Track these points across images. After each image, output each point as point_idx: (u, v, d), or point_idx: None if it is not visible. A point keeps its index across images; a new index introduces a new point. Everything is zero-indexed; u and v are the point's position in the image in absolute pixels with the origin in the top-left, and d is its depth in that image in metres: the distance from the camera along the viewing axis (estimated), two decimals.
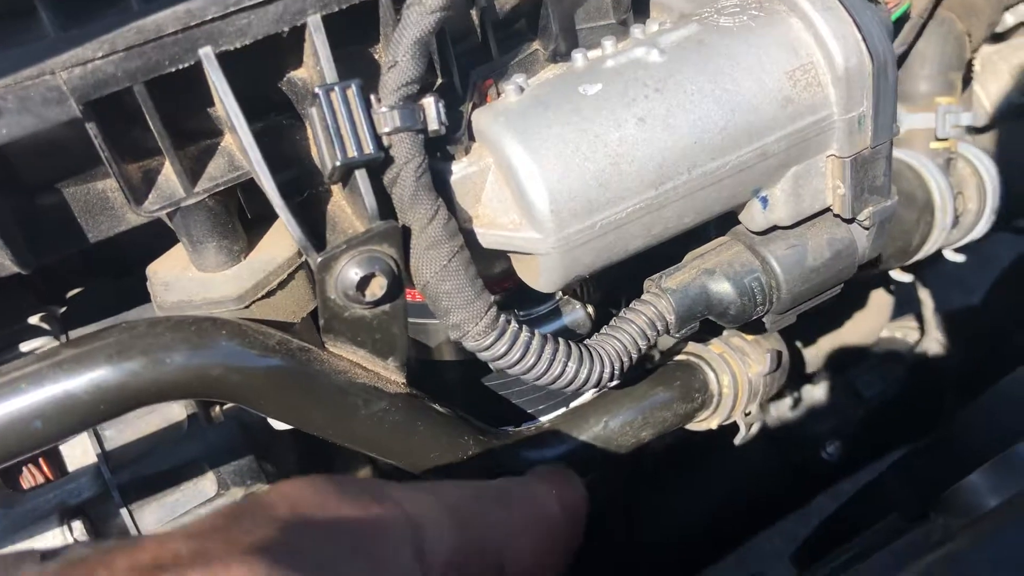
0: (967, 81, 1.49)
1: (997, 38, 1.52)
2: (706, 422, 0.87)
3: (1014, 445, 0.72)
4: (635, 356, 0.72)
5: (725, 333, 0.91)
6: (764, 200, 0.72)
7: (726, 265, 0.75)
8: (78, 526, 0.84)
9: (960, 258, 1.32)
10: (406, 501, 0.45)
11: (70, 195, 0.65)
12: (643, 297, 0.75)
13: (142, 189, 0.64)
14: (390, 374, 0.68)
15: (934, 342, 1.74)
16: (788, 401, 1.65)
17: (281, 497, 0.41)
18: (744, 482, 1.64)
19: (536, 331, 0.68)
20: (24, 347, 0.93)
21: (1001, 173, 1.30)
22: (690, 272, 0.75)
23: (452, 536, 0.46)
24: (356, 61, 0.66)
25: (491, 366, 0.67)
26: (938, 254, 1.31)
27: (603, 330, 0.73)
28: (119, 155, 0.62)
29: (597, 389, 0.72)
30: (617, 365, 0.71)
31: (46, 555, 0.55)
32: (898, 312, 1.74)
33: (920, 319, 1.73)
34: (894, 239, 1.13)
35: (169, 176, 0.64)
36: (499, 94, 0.69)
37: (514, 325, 0.66)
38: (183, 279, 0.68)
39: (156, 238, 0.74)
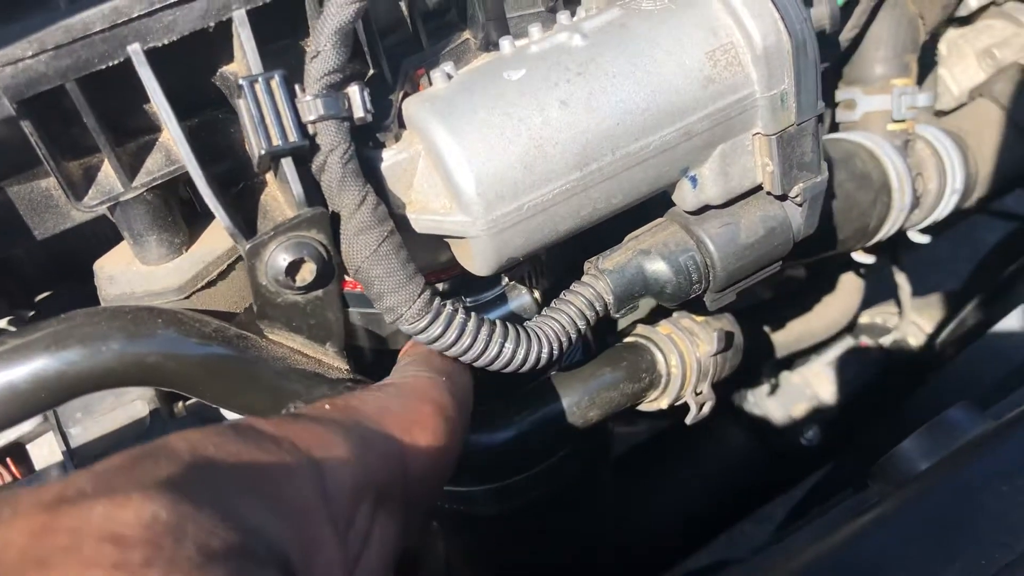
0: (932, 65, 1.51)
1: (962, 22, 1.54)
2: (656, 402, 0.89)
3: (945, 411, 0.74)
4: (574, 337, 0.74)
5: (675, 315, 0.93)
6: (693, 180, 0.73)
7: (661, 245, 0.76)
8: None
9: (925, 239, 1.33)
10: (304, 440, 0.47)
11: (14, 193, 0.67)
12: (582, 279, 0.77)
13: (82, 185, 0.66)
14: (331, 360, 0.70)
15: (912, 326, 1.75)
16: (765, 388, 1.67)
17: (183, 440, 0.42)
18: (726, 469, 1.65)
19: (473, 313, 0.69)
20: None
21: (969, 147, 1.31)
22: (626, 253, 0.77)
23: (354, 463, 0.48)
24: (286, 54, 0.68)
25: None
26: (904, 237, 1.33)
27: (542, 312, 0.75)
28: (58, 153, 0.64)
29: (540, 370, 0.74)
30: (556, 346, 0.72)
31: None
32: (880, 298, 1.75)
33: (899, 304, 1.74)
34: (851, 221, 1.15)
35: (108, 172, 0.66)
36: (431, 84, 0.71)
37: (448, 308, 0.67)
38: (127, 273, 0.70)
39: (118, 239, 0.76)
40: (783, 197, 0.77)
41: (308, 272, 0.62)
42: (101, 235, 0.80)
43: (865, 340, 1.68)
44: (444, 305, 0.67)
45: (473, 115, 0.65)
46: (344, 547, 0.45)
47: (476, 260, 0.69)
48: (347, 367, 0.71)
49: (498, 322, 0.70)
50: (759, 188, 0.76)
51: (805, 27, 0.70)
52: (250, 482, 0.42)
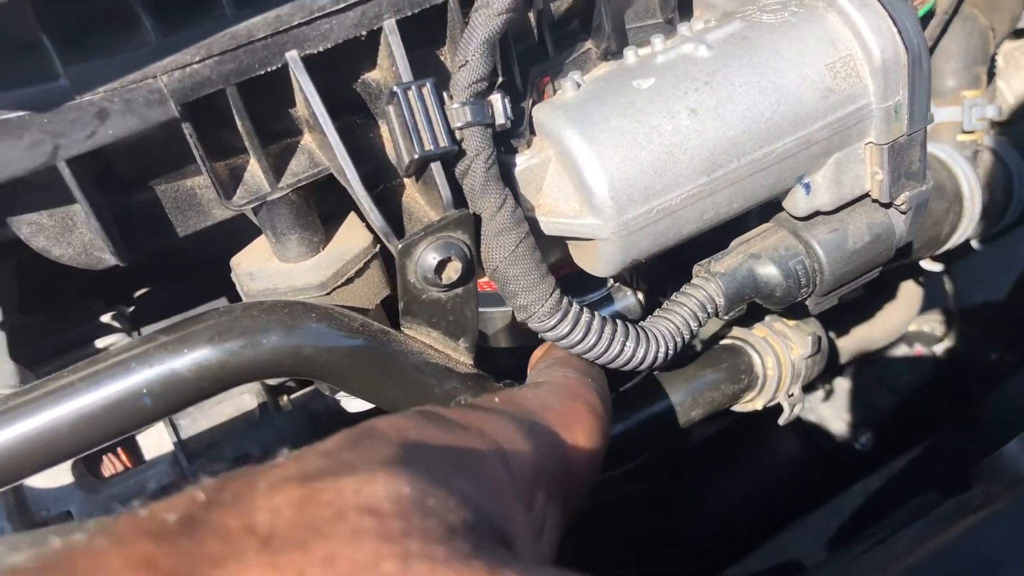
0: (991, 76, 1.53)
1: (1019, 34, 1.56)
2: (752, 403, 0.91)
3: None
4: (687, 337, 0.76)
5: (768, 318, 0.95)
6: (807, 186, 0.76)
7: (771, 249, 0.79)
8: None
9: (984, 248, 1.35)
10: (487, 427, 0.49)
11: (161, 192, 0.70)
12: (693, 281, 0.79)
13: (230, 185, 0.69)
14: (459, 355, 0.73)
15: (960, 335, 1.77)
16: (820, 393, 1.69)
17: (389, 426, 0.45)
18: (779, 473, 1.67)
19: (597, 313, 0.72)
20: (99, 343, 0.98)
21: None
22: (737, 257, 0.79)
23: (529, 450, 0.51)
24: (424, 63, 0.71)
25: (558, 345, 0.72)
26: (966, 245, 1.35)
27: (656, 312, 0.77)
28: (209, 154, 0.67)
29: (650, 369, 0.76)
30: (671, 345, 0.75)
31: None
32: (926, 307, 1.77)
33: (947, 313, 1.76)
34: (925, 229, 1.17)
35: (255, 172, 0.69)
36: (555, 91, 0.74)
37: (576, 307, 0.70)
38: (267, 269, 0.73)
39: (207, 247, 0.78)
40: (888, 204, 0.79)
41: (454, 271, 0.65)
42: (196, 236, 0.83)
43: (919, 348, 1.70)
44: (572, 304, 0.70)
45: (605, 122, 0.68)
46: (531, 528, 0.48)
47: (601, 262, 0.72)
48: (471, 361, 0.74)
49: (619, 322, 0.73)
50: (866, 195, 0.79)
51: (921, 41, 0.72)
52: (455, 462, 0.45)
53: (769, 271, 0.78)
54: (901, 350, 1.70)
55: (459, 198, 0.67)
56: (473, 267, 0.67)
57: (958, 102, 1.26)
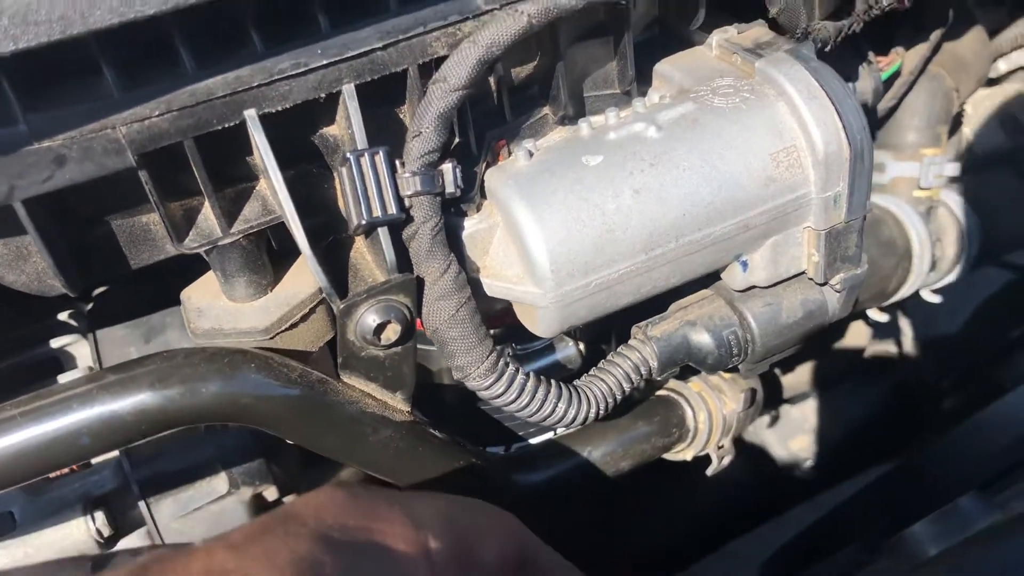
0: (958, 124, 1.56)
1: (990, 83, 1.59)
2: (682, 454, 0.95)
3: (957, 499, 0.79)
4: (619, 397, 0.79)
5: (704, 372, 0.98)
6: (744, 264, 0.79)
7: (707, 318, 0.82)
8: (100, 516, 0.91)
9: (937, 299, 1.39)
10: (410, 508, 0.52)
11: (117, 227, 0.72)
12: (630, 343, 0.82)
13: (183, 226, 0.71)
14: (396, 403, 0.75)
15: (911, 367, 1.82)
16: (766, 419, 1.73)
17: (308, 509, 0.47)
18: (719, 495, 1.72)
19: (532, 373, 0.75)
20: (54, 343, 1.00)
21: (988, 212, 1.37)
22: (673, 323, 0.82)
23: (447, 538, 0.53)
24: (383, 119, 0.73)
25: (490, 403, 0.75)
26: (915, 295, 1.39)
27: (591, 372, 0.80)
28: (164, 196, 0.69)
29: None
30: (603, 405, 0.78)
31: (97, 563, 0.62)
32: (879, 335, 1.81)
33: (899, 344, 1.80)
34: (871, 285, 1.21)
35: (208, 216, 0.71)
36: (510, 154, 0.76)
37: (511, 368, 0.73)
38: (215, 307, 0.75)
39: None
40: (823, 283, 0.82)
41: (393, 332, 0.68)
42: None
43: (870, 376, 1.74)
44: (507, 366, 0.73)
45: (552, 196, 0.70)
46: None
47: (540, 325, 0.74)
48: (408, 410, 0.77)
49: (553, 383, 0.76)
50: (802, 273, 0.82)
51: (864, 136, 0.75)
52: (371, 551, 0.48)
53: (703, 339, 0.81)
54: (851, 379, 1.74)
55: (405, 260, 0.70)
56: (412, 328, 0.70)
57: (917, 158, 1.29)
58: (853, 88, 1.10)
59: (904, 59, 1.21)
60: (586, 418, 0.77)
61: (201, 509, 0.95)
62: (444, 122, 0.67)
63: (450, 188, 0.69)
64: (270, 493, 1.00)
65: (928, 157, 1.29)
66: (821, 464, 1.70)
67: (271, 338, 0.73)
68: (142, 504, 0.93)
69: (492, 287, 0.74)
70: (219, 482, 0.96)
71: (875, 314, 1.34)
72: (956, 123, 1.55)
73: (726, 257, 0.77)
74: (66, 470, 0.96)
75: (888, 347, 1.86)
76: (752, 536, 1.70)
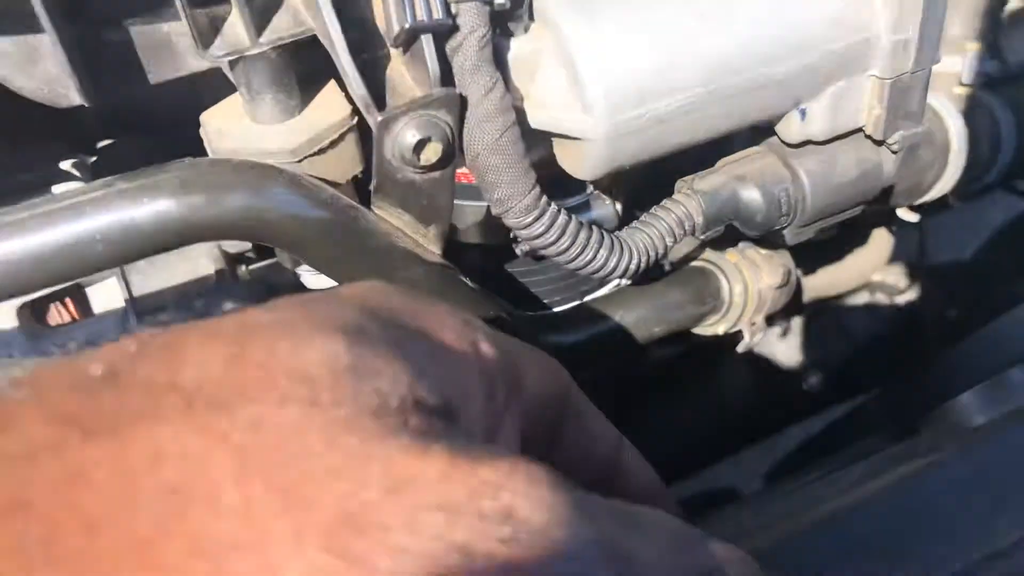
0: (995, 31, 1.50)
1: None
2: (713, 327, 0.91)
3: (1008, 370, 0.76)
4: (661, 251, 0.75)
5: (741, 244, 0.94)
6: (803, 112, 0.74)
7: (758, 174, 0.77)
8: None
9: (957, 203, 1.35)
10: (461, 313, 0.47)
11: (136, 33, 0.67)
12: (675, 196, 0.77)
13: (209, 34, 0.65)
14: (428, 243, 0.71)
15: (922, 290, 1.79)
16: (777, 330, 1.70)
17: (352, 290, 0.42)
18: (723, 403, 1.70)
19: (574, 217, 0.70)
20: (56, 189, 0.95)
21: (1017, 128, 1.32)
22: (722, 176, 0.77)
23: (497, 351, 0.48)
24: None
25: (526, 245, 0.70)
26: (942, 200, 1.34)
27: (634, 224, 0.76)
28: None
29: (620, 280, 0.75)
30: (644, 258, 0.74)
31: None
32: (892, 259, 1.77)
33: (911, 267, 1.77)
34: (909, 175, 1.16)
35: (236, 25, 0.66)
36: None
37: (553, 207, 0.68)
38: (238, 128, 0.70)
39: (177, 102, 0.75)
40: (880, 142, 0.78)
41: (433, 152, 0.63)
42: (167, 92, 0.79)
43: (880, 297, 1.71)
44: (549, 204, 0.68)
45: (610, 13, 0.65)
46: (487, 416, 0.46)
47: (586, 163, 0.69)
48: (439, 251, 0.72)
49: (595, 229, 0.71)
50: (859, 130, 0.77)
51: None
52: (418, 327, 0.43)
53: (752, 195, 0.77)
54: (862, 297, 1.71)
55: (447, 77, 0.64)
56: (454, 151, 0.65)
57: (961, 52, 1.24)
58: None
59: None
60: (626, 269, 0.73)
61: None
62: None
63: None
64: None
65: (973, 51, 1.23)
66: (829, 379, 1.67)
67: (298, 161, 0.68)
68: None
69: (537, 117, 0.68)
70: None
71: (905, 213, 1.29)
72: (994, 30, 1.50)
73: (786, 102, 0.72)
74: (68, 318, 0.92)
75: (898, 269, 1.83)
76: (759, 447, 1.69)
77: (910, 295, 1.75)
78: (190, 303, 0.90)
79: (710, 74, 0.67)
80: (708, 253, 0.91)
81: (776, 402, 1.70)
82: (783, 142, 0.78)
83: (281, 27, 0.66)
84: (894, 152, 0.78)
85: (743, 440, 1.67)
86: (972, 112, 1.26)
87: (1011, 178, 1.41)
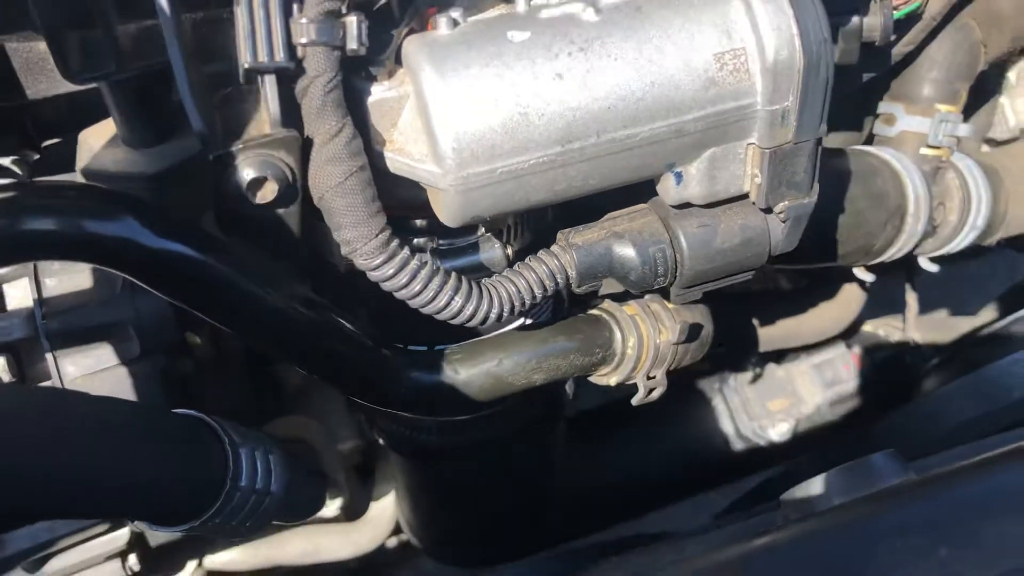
0: (995, 92, 1.46)
1: None
2: (606, 378, 0.90)
3: (871, 454, 0.74)
4: (528, 302, 0.75)
5: (647, 296, 0.93)
6: (678, 175, 0.73)
7: (635, 231, 0.76)
8: (1, 361, 0.89)
9: (933, 268, 1.31)
10: None
11: (11, 50, 0.69)
12: (551, 248, 0.77)
13: (77, 57, 0.66)
14: (289, 276, 0.71)
15: (911, 346, 1.75)
16: (749, 375, 1.67)
17: None
18: (690, 445, 1.68)
19: (430, 262, 0.70)
20: None
21: (1001, 195, 1.28)
22: (599, 232, 0.77)
23: None
24: None
25: (382, 287, 0.70)
26: (913, 261, 1.31)
27: (505, 272, 0.76)
28: (59, 18, 0.64)
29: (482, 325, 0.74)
30: (507, 307, 0.73)
31: None
32: (876, 300, 1.73)
33: (903, 321, 1.73)
34: (856, 238, 1.13)
35: (105, 48, 0.67)
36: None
37: (405, 252, 0.68)
38: (108, 149, 0.71)
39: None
40: (768, 210, 0.76)
41: (270, 191, 0.63)
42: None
43: (856, 352, 1.67)
44: (401, 248, 0.68)
45: (466, 69, 0.65)
46: None
47: (443, 211, 0.69)
48: (301, 283, 0.73)
49: (453, 275, 0.71)
50: (745, 196, 0.76)
51: (823, 49, 0.68)
52: None
53: (627, 253, 0.76)
54: (838, 349, 1.68)
55: (299, 118, 0.65)
56: (296, 191, 0.65)
57: (930, 113, 1.21)
58: (860, 22, 1.02)
59: (926, 1, 1.12)
60: (485, 317, 0.72)
61: (109, 370, 0.92)
62: None
63: (352, 44, 0.63)
64: (184, 366, 0.97)
65: (941, 113, 1.20)
66: (797, 428, 1.65)
67: (157, 188, 0.69)
68: (49, 356, 0.91)
69: (395, 162, 0.69)
70: (132, 345, 0.93)
71: (861, 272, 1.27)
72: (994, 89, 1.46)
73: (656, 164, 0.71)
74: None
75: (893, 321, 1.79)
76: (717, 492, 1.66)
77: (894, 351, 1.72)
78: (96, 310, 0.92)
79: (566, 134, 0.66)
80: (606, 303, 0.90)
81: (742, 448, 1.68)
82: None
83: (150, 54, 0.67)
84: (783, 221, 0.77)
85: (703, 483, 1.65)
86: (940, 174, 1.23)
87: (987, 239, 1.37)
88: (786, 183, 0.74)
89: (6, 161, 1.03)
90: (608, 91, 0.66)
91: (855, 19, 1.02)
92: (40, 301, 0.92)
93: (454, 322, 0.72)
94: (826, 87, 0.70)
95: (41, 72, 0.69)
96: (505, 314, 0.73)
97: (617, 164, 0.69)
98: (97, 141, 0.72)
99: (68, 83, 0.70)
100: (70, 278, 0.94)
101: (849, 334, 1.76)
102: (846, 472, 0.73)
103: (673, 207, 0.76)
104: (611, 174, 0.70)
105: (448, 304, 0.71)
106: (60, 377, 0.91)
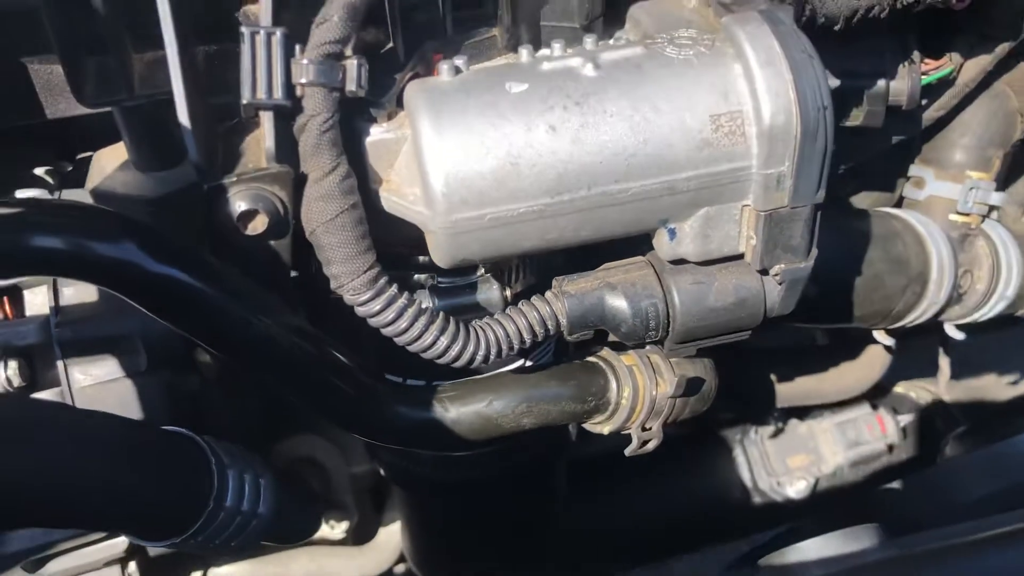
0: None
1: None
2: (600, 426, 0.90)
3: (856, 525, 0.73)
4: (516, 346, 0.75)
5: (649, 347, 0.92)
6: (672, 232, 0.73)
7: (628, 283, 0.76)
8: (13, 365, 0.92)
9: (959, 335, 1.29)
10: None
11: (33, 71, 0.71)
12: (545, 295, 0.77)
13: (92, 80, 0.69)
14: (280, 305, 0.73)
15: (940, 409, 1.72)
16: (771, 428, 1.65)
17: None
18: (705, 494, 1.66)
19: (419, 301, 0.71)
20: (18, 193, 1.00)
21: None
22: (592, 281, 0.77)
23: None
24: (306, 7, 0.69)
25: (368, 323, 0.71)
26: (939, 327, 1.29)
27: (496, 315, 0.76)
28: (76, 44, 0.67)
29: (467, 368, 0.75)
30: (494, 350, 0.74)
31: None
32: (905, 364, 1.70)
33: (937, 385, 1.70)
34: (874, 301, 1.12)
35: (118, 74, 0.69)
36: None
37: (392, 289, 0.69)
38: (119, 171, 0.73)
39: None
40: (764, 272, 0.76)
41: (260, 223, 0.65)
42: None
43: (882, 414, 1.64)
44: (388, 286, 0.69)
45: (461, 116, 0.66)
46: None
47: (434, 252, 0.71)
48: (294, 312, 0.74)
49: (441, 315, 0.72)
50: (741, 256, 0.76)
51: (822, 116, 0.68)
52: None
53: (619, 304, 0.76)
54: (863, 409, 1.65)
55: (295, 153, 0.67)
56: (286, 224, 0.67)
57: (960, 180, 1.19)
58: (886, 86, 1.01)
59: (959, 68, 1.11)
60: (471, 359, 0.73)
61: (117, 381, 0.95)
62: (354, 12, 0.63)
63: (351, 86, 0.65)
64: (191, 383, 0.99)
65: (972, 180, 1.18)
66: (815, 487, 1.62)
67: (159, 211, 0.71)
68: (60, 364, 0.94)
69: (388, 201, 0.70)
70: (139, 358, 0.95)
71: (881, 336, 1.25)
72: None
73: (649, 219, 0.71)
74: (0, 316, 0.97)
75: (927, 384, 1.76)
76: (727, 545, 1.64)
77: (924, 412, 1.69)
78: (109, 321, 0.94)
79: (557, 185, 0.67)
80: (604, 351, 0.90)
81: (760, 502, 1.66)
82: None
83: (161, 82, 0.70)
84: (779, 284, 0.76)
85: (715, 534, 1.63)
86: (969, 242, 1.21)
87: (1020, 309, 1.34)
88: (782, 246, 0.73)
89: (40, 171, 1.07)
90: (601, 146, 0.67)
91: (881, 82, 1.01)
92: (56, 309, 0.95)
93: (440, 362, 0.73)
94: (824, 154, 0.70)
95: (60, 94, 0.72)
96: (492, 357, 0.74)
97: (609, 217, 0.70)
98: (109, 163, 0.74)
99: (86, 107, 0.73)
100: (87, 288, 0.96)
101: (879, 394, 1.73)
102: (829, 541, 0.72)
103: (669, 262, 0.76)
104: (603, 226, 0.70)
105: (434, 344, 0.71)
106: (69, 385, 0.93)
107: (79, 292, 0.96)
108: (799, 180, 0.70)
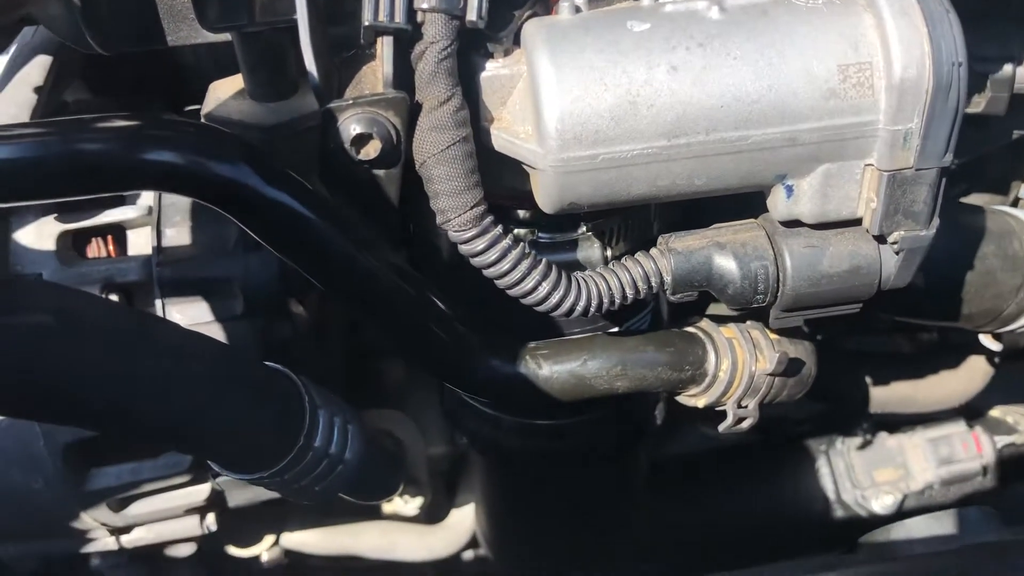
0: None
1: None
2: (694, 399, 0.87)
3: (965, 507, 0.69)
4: (618, 301, 0.73)
5: (749, 322, 0.90)
6: (789, 189, 0.70)
7: (739, 244, 0.74)
8: (114, 299, 0.93)
9: None
10: None
11: None
12: (650, 251, 0.76)
13: (213, 6, 0.70)
14: (384, 243, 0.72)
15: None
16: (858, 440, 1.60)
17: None
18: (785, 505, 1.61)
19: (523, 245, 0.70)
20: None
21: None
22: (701, 240, 0.75)
23: None
24: None
25: (471, 262, 0.70)
26: None
27: (599, 268, 0.75)
28: None
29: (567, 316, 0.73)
30: (595, 303, 0.72)
31: None
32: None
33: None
34: (984, 299, 1.07)
35: (241, 1, 0.70)
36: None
37: (498, 229, 0.68)
38: (233, 99, 0.74)
39: None
40: (881, 239, 0.73)
41: (373, 149, 0.64)
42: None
43: (979, 432, 1.57)
44: (495, 224, 0.68)
45: (580, 52, 0.65)
46: None
47: (540, 194, 0.69)
48: (396, 250, 0.73)
49: (544, 261, 0.71)
50: (858, 221, 0.73)
51: (956, 72, 0.65)
52: None
53: (727, 264, 0.74)
54: (958, 426, 1.58)
55: (410, 81, 0.66)
56: (398, 152, 0.66)
57: None
58: (1012, 71, 0.97)
59: None
60: (572, 308, 0.71)
61: (212, 323, 0.96)
62: None
63: (472, 16, 0.64)
64: (283, 331, 1.00)
65: None
66: (903, 504, 1.56)
67: (270, 140, 0.71)
68: (158, 303, 0.95)
69: (499, 138, 0.69)
70: (236, 303, 0.96)
71: (987, 340, 1.19)
72: None
73: (766, 172, 0.69)
74: (103, 252, 0.99)
75: (1013, 402, 1.68)
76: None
77: (1018, 438, 1.61)
78: (207, 263, 0.95)
79: (675, 127, 0.65)
80: (704, 322, 0.88)
81: (843, 516, 1.60)
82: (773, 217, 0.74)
83: (281, 10, 0.70)
84: (896, 252, 0.73)
85: (794, 547, 1.58)
86: None
87: None
88: (903, 211, 0.70)
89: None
90: (723, 89, 0.65)
91: (1008, 67, 0.97)
92: (158, 248, 0.96)
93: (539, 309, 0.71)
94: (955, 114, 0.67)
95: (183, 20, 0.73)
96: (592, 308, 0.72)
97: (725, 166, 0.68)
98: (224, 92, 0.75)
99: (205, 34, 0.74)
100: (189, 230, 0.98)
101: (974, 416, 1.66)
102: (933, 521, 0.68)
103: (781, 223, 0.74)
104: (718, 176, 0.68)
105: (535, 288, 0.70)
106: None
107: (180, 233, 0.98)
108: (927, 140, 0.67)
